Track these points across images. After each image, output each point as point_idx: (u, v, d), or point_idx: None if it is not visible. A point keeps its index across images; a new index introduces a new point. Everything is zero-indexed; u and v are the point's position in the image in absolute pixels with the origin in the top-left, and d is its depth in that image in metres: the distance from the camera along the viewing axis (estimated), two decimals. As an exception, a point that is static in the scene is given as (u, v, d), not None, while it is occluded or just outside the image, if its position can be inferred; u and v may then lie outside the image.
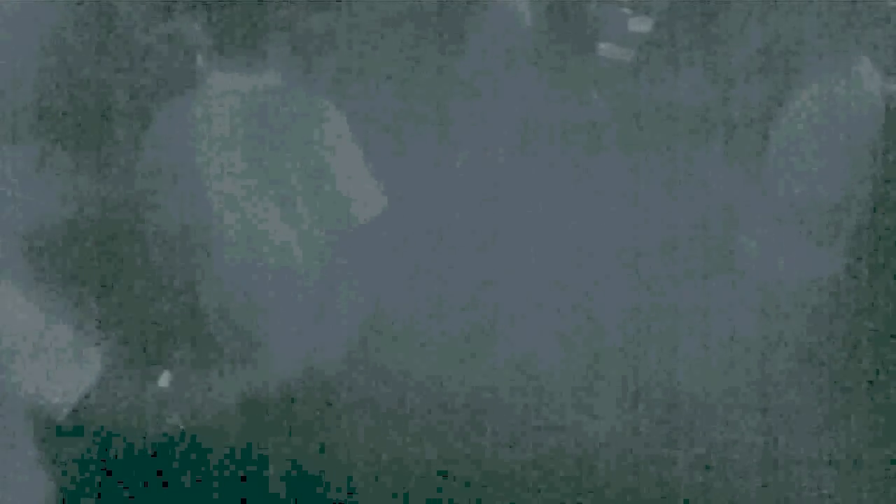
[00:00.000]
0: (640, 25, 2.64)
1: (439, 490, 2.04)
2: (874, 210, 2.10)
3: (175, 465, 1.72)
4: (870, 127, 2.03)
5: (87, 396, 1.37)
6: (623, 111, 2.31)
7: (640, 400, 2.18)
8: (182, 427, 1.47)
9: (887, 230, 2.19)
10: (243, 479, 1.77)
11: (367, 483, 1.88)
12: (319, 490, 1.80)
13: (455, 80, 2.26)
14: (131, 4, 2.12)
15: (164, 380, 1.62)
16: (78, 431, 1.43)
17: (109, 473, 1.77)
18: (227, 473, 1.76)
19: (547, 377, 2.22)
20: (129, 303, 1.85)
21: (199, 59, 2.07)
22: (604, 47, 2.56)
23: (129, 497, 1.84)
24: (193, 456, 1.70)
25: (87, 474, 1.75)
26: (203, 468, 1.75)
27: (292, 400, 1.71)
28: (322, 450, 1.78)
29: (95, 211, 1.84)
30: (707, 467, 2.04)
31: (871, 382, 2.15)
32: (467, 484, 2.04)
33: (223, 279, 1.73)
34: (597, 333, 2.25)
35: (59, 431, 1.42)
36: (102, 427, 1.50)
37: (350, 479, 1.84)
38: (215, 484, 1.76)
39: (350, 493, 1.84)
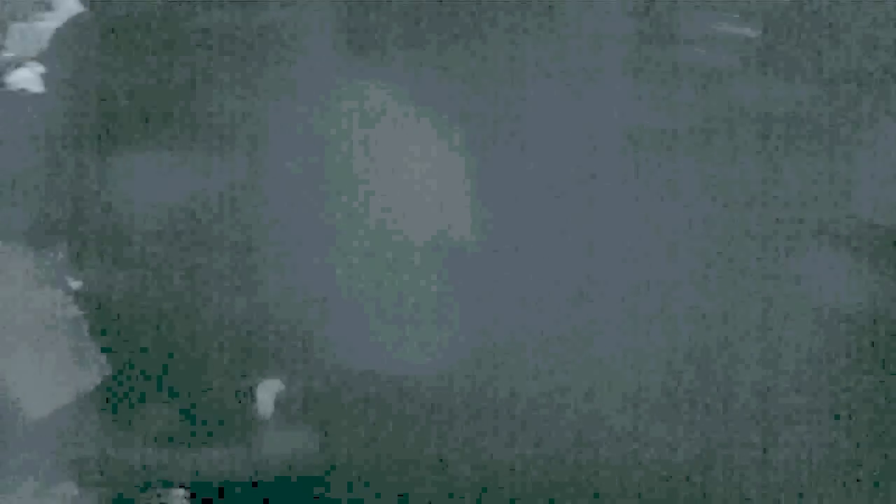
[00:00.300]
0: (737, 29, 2.54)
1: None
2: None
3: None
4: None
5: (63, 408, 1.32)
6: (715, 117, 2.22)
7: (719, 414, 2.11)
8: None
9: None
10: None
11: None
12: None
13: (530, 78, 2.20)
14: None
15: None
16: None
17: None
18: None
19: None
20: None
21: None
22: (696, 51, 2.46)
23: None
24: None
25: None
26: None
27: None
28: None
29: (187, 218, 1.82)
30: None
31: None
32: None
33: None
34: (677, 339, 2.18)
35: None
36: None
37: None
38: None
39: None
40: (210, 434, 1.68)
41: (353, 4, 1.60)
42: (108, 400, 1.41)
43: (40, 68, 4.45)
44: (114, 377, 1.43)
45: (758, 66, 2.33)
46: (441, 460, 2.00)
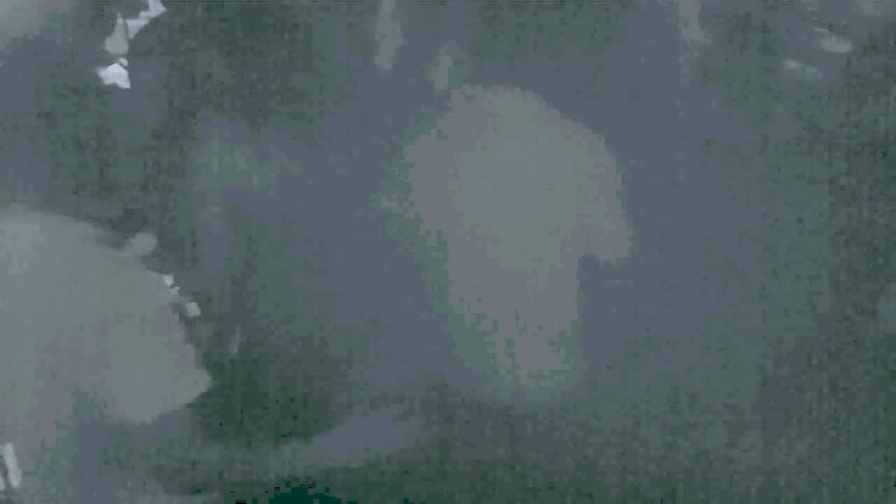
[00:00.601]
0: (836, 45, 2.47)
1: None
2: None
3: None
4: None
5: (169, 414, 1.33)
6: (807, 135, 2.16)
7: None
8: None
9: None
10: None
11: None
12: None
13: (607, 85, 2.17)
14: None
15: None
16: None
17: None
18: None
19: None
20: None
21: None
22: (790, 65, 2.40)
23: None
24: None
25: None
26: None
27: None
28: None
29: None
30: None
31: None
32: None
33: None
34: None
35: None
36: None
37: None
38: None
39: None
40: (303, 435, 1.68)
41: (485, 9, 1.57)
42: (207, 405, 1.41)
43: (129, 64, 4.56)
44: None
45: (848, 82, 2.27)
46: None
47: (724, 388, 1.95)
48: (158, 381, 1.34)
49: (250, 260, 1.85)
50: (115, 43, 4.80)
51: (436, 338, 1.69)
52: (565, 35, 1.60)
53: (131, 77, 4.14)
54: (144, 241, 2.44)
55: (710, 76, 2.22)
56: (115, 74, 4.74)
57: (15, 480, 2.12)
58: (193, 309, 2.22)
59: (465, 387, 1.71)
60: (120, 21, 4.71)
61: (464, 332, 1.68)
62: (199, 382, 1.36)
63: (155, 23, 2.20)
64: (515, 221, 1.60)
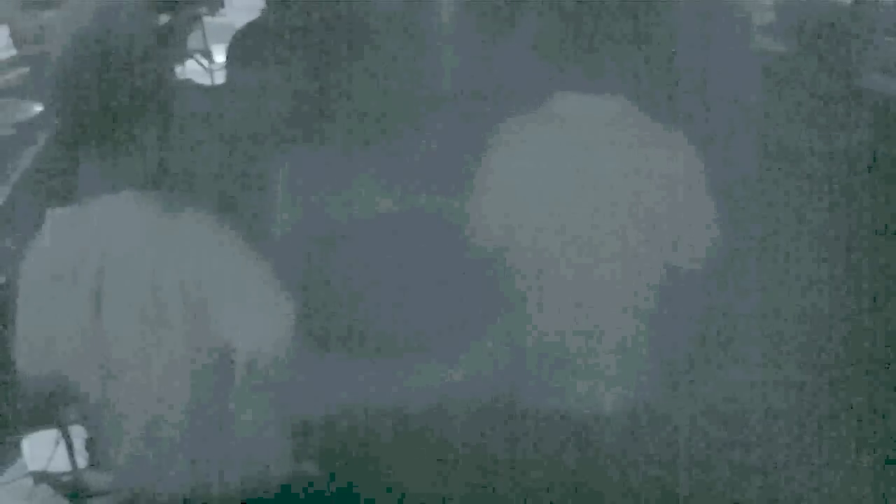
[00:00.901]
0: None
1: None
2: None
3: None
4: None
5: (278, 345, 1.36)
6: (889, 150, 2.10)
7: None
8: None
9: None
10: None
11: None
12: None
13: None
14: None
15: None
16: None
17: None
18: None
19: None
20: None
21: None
22: (873, 78, 2.34)
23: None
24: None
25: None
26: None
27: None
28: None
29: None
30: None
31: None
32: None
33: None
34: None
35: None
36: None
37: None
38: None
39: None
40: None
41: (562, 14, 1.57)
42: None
43: (205, 62, 4.65)
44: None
45: None
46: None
47: (797, 402, 1.91)
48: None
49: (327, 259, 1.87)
50: (194, 39, 4.91)
51: (509, 343, 1.69)
52: (648, 39, 1.59)
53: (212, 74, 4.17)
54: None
55: (790, 84, 2.18)
56: (193, 70, 4.86)
57: (82, 461, 2.19)
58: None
59: (535, 394, 1.70)
60: (199, 18, 4.82)
61: (538, 338, 1.68)
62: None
63: (248, 25, 2.22)
64: (600, 226, 1.58)
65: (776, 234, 1.97)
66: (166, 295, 1.35)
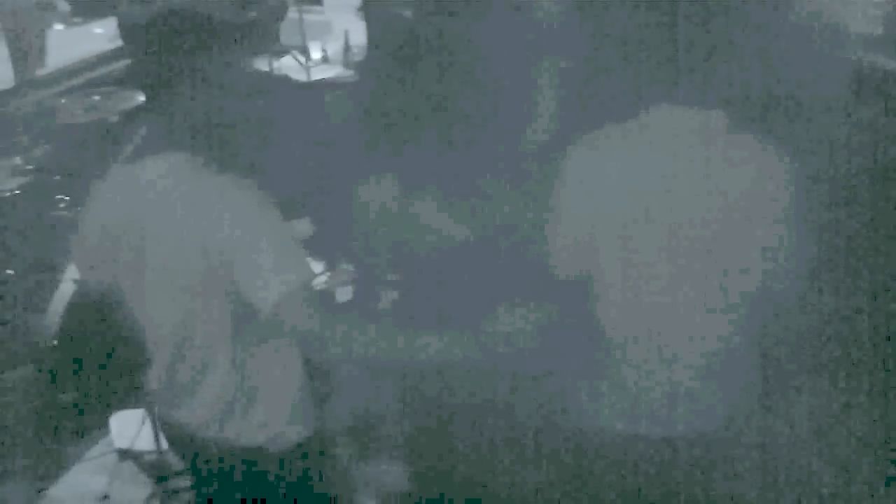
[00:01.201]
0: None
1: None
2: None
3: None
4: None
5: (291, 293, 1.41)
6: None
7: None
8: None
9: None
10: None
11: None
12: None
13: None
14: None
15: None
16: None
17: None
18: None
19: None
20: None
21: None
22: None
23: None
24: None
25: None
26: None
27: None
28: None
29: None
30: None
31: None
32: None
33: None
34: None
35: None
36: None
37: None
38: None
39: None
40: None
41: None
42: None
43: (302, 58, 4.74)
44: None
45: None
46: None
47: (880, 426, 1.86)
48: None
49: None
50: (292, 36, 5.01)
51: (591, 355, 1.68)
52: (744, 55, 1.56)
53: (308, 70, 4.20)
54: (302, 226, 2.55)
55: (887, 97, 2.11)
56: (288, 66, 4.95)
57: (165, 443, 2.24)
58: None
59: (614, 413, 1.69)
60: (296, 15, 4.92)
61: (622, 351, 1.66)
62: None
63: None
64: (699, 242, 1.56)
65: (877, 252, 1.92)
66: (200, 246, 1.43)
